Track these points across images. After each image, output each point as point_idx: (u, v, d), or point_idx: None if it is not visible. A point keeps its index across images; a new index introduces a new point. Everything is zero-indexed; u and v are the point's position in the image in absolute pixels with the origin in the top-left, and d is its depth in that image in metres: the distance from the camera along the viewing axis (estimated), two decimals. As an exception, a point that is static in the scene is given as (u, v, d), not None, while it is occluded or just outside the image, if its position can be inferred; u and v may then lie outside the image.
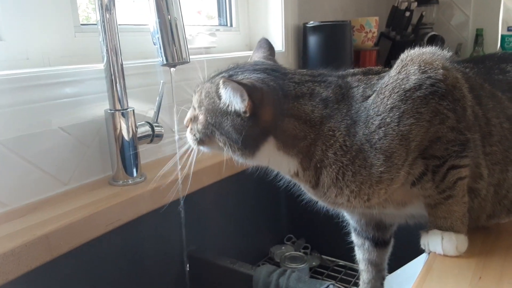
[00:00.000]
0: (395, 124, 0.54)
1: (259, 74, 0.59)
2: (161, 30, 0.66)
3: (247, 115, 0.56)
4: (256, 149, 0.58)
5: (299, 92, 0.58)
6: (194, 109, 0.63)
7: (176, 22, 0.67)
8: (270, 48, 0.70)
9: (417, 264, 0.66)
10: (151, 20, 0.68)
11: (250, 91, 0.54)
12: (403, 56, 0.59)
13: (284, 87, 0.58)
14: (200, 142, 0.62)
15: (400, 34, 2.05)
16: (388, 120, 0.55)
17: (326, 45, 1.52)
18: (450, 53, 0.62)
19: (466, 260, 0.59)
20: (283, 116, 0.57)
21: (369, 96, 0.58)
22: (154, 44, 0.68)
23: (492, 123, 0.61)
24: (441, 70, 0.56)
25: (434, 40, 1.95)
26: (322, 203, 0.64)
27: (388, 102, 0.55)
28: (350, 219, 0.75)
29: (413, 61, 0.57)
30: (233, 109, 0.57)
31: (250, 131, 0.57)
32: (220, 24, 1.46)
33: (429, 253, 0.61)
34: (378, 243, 0.74)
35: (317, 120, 0.57)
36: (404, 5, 1.99)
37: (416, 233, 0.64)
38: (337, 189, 0.58)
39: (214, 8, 1.44)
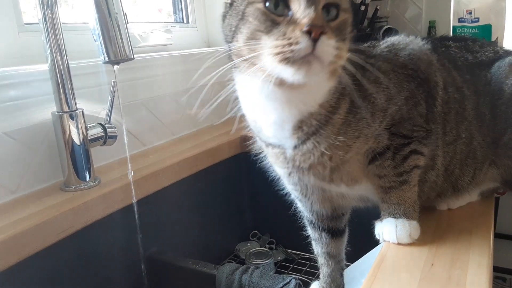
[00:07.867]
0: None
1: None
2: (101, 26, 0.64)
3: None
4: None
5: None
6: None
7: (116, 17, 0.65)
8: None
9: (375, 255, 0.67)
10: (91, 17, 0.65)
11: None
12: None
13: None
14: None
15: (356, 27, 2.08)
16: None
17: (285, 40, 1.52)
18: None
19: (419, 248, 0.60)
20: None
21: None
22: (95, 41, 0.65)
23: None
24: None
25: (389, 33, 1.99)
26: (295, 169, 0.61)
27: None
28: (304, 210, 0.74)
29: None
30: None
31: None
32: (176, 21, 1.43)
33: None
34: (334, 234, 0.74)
35: None
36: (359, -1, 2.02)
37: (373, 224, 0.65)
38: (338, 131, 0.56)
39: (170, 4, 1.41)
